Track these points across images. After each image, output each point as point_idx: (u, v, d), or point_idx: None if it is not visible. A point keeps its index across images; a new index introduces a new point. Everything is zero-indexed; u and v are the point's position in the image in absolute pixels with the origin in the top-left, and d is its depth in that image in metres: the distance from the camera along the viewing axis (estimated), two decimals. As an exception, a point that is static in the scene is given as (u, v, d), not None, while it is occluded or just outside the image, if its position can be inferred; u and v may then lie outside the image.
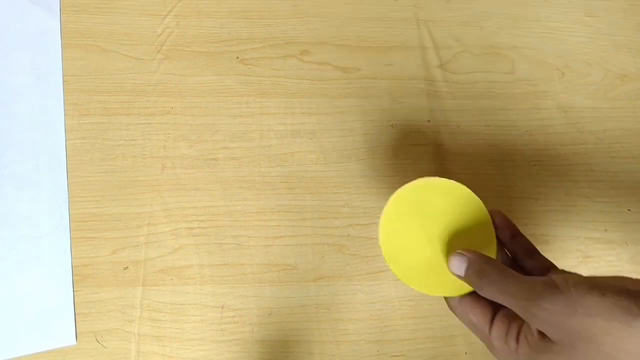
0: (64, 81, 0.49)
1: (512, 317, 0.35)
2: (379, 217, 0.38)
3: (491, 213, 0.39)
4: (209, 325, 0.45)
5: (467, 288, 0.37)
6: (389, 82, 0.52)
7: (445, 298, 0.38)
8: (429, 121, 0.52)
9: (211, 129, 0.50)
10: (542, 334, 0.33)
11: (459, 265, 0.37)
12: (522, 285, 0.34)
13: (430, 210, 0.38)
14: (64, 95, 0.49)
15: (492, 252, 0.38)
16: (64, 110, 0.49)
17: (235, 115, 0.50)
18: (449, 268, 0.38)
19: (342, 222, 0.48)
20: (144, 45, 0.51)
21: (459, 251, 0.37)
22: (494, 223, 0.39)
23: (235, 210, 0.48)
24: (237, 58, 0.52)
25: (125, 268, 0.46)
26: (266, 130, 0.50)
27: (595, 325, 0.31)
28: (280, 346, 0.46)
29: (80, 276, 0.45)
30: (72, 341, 0.44)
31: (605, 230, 0.50)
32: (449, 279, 0.37)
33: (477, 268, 0.36)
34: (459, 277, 0.37)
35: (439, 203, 0.38)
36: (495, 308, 0.36)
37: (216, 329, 0.45)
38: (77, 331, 0.44)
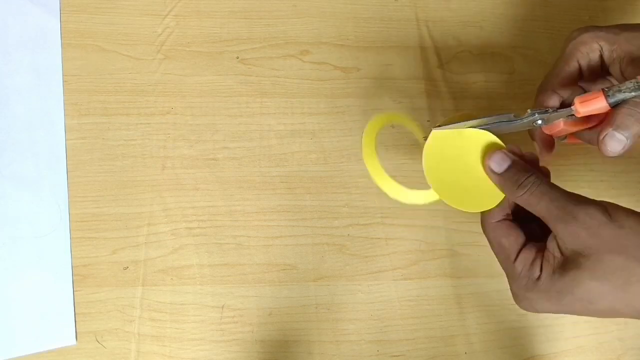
0: (64, 81, 0.49)
1: (539, 248, 0.36)
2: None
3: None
4: (209, 325, 0.45)
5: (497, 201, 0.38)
6: (389, 82, 0.52)
7: (482, 220, 0.39)
8: (428, 121, 0.52)
9: (211, 129, 0.50)
10: (563, 255, 0.34)
11: (500, 162, 0.37)
12: (567, 192, 0.35)
13: (467, 148, 0.39)
14: (64, 95, 0.49)
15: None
16: (64, 110, 0.49)
17: (235, 115, 0.50)
18: (485, 165, 0.38)
19: (342, 222, 0.48)
20: (144, 45, 0.51)
21: (503, 150, 0.38)
22: None
23: (235, 210, 0.48)
24: (237, 58, 0.52)
25: (125, 268, 0.46)
26: (266, 130, 0.50)
27: (626, 237, 0.33)
28: (280, 346, 0.46)
29: (80, 276, 0.45)
30: (72, 341, 0.44)
31: (605, 230, 0.50)
32: (483, 199, 0.38)
33: (521, 168, 0.37)
34: (495, 174, 0.37)
35: (474, 146, 0.39)
36: (525, 240, 0.37)
37: (216, 329, 0.45)
38: (77, 331, 0.44)
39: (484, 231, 0.39)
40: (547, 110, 0.40)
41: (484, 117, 0.40)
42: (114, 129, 0.49)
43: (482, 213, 0.39)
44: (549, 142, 0.43)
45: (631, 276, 0.33)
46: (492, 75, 0.53)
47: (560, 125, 0.40)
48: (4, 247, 0.45)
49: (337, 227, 0.48)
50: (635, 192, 0.52)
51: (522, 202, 0.36)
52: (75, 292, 0.45)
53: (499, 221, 0.38)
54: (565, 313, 0.35)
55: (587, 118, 0.39)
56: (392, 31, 0.54)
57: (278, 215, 0.48)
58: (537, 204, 0.35)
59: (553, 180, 0.50)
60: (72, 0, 0.51)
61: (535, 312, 0.36)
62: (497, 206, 0.38)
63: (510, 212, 0.39)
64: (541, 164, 0.40)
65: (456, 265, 0.48)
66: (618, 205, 0.35)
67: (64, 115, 0.49)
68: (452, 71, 0.53)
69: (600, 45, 0.41)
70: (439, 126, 0.40)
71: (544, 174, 0.39)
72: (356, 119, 0.51)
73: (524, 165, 0.37)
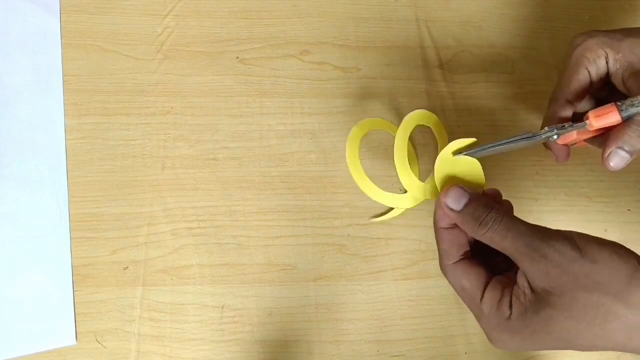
0: (64, 81, 0.49)
1: (505, 285, 0.34)
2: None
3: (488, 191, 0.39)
4: (209, 325, 0.46)
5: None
6: (389, 82, 0.52)
7: (440, 263, 0.37)
8: (429, 121, 0.52)
9: (211, 129, 0.50)
10: (535, 292, 0.32)
11: (458, 199, 0.36)
12: (532, 226, 0.33)
13: (460, 168, 0.40)
14: (64, 95, 0.49)
15: None
16: (64, 110, 0.49)
17: (235, 115, 0.50)
18: (442, 202, 0.37)
19: (342, 222, 0.48)
20: (144, 45, 0.51)
21: (459, 185, 0.36)
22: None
23: (235, 210, 0.48)
24: (237, 58, 0.52)
25: (125, 268, 0.46)
26: (266, 130, 0.50)
27: (598, 273, 0.31)
28: (280, 346, 0.46)
29: (80, 276, 0.45)
30: (72, 341, 0.44)
31: (605, 230, 0.50)
32: None
33: (481, 203, 0.35)
34: (452, 211, 0.36)
35: (464, 168, 0.40)
36: (488, 277, 0.35)
37: (216, 329, 0.45)
38: (77, 331, 0.44)
39: (443, 273, 0.37)
40: (563, 126, 0.40)
41: (505, 138, 0.40)
42: (114, 129, 0.49)
43: (440, 256, 0.38)
44: (565, 151, 0.44)
45: (608, 314, 0.31)
46: (492, 75, 0.53)
47: (573, 135, 0.41)
48: (4, 247, 0.45)
49: (337, 227, 0.48)
50: (635, 192, 0.52)
51: (485, 240, 0.35)
52: (75, 292, 0.45)
53: (456, 262, 0.36)
54: (541, 350, 0.34)
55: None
56: (392, 31, 0.54)
57: (278, 215, 0.48)
58: (501, 242, 0.33)
59: (554, 181, 0.51)
60: (72, 0, 0.51)
61: (511, 351, 0.35)
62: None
63: (468, 250, 0.37)
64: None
65: (456, 265, 0.48)
66: (588, 236, 0.33)
67: (64, 115, 0.49)
68: (452, 71, 0.53)
69: (605, 51, 0.41)
70: (460, 152, 0.40)
71: (506, 209, 0.37)
72: (356, 119, 0.51)
73: (483, 200, 0.36)
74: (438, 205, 0.38)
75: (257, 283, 0.47)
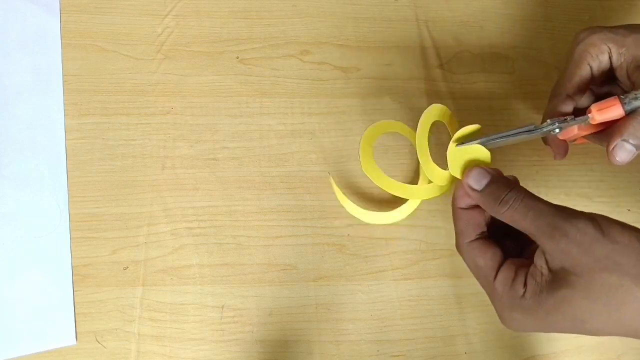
0: (64, 81, 0.49)
1: (519, 265, 0.35)
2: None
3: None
4: (209, 325, 0.46)
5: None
6: (389, 82, 0.52)
7: (456, 241, 0.38)
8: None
9: (211, 129, 0.50)
10: (552, 272, 0.32)
11: (479, 179, 0.36)
12: (553, 205, 0.33)
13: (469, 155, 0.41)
14: (64, 95, 0.49)
15: None
16: (64, 110, 0.49)
17: (235, 115, 0.50)
18: (464, 183, 0.37)
19: (342, 222, 0.48)
20: (144, 45, 0.51)
21: (480, 166, 0.37)
22: None
23: (235, 210, 0.48)
24: (237, 58, 0.52)
25: (125, 268, 0.46)
26: (266, 130, 0.50)
27: (620, 253, 0.31)
28: (280, 346, 0.46)
29: (80, 276, 0.45)
30: (72, 341, 0.44)
31: (605, 230, 0.50)
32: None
33: (501, 183, 0.35)
34: (475, 191, 0.36)
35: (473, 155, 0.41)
36: (503, 257, 0.36)
37: (216, 329, 0.45)
38: (77, 331, 0.44)
39: (459, 252, 0.37)
40: (565, 119, 0.40)
41: (508, 130, 0.40)
42: (114, 129, 0.49)
43: (456, 234, 0.38)
44: (564, 147, 0.44)
45: (626, 295, 0.31)
46: (492, 75, 0.53)
47: (574, 131, 0.41)
48: (4, 247, 0.45)
49: (337, 227, 0.48)
50: (635, 192, 0.52)
51: (505, 219, 0.35)
52: (75, 292, 0.45)
53: (472, 240, 0.37)
54: (553, 332, 0.34)
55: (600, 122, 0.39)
56: (392, 31, 0.54)
57: (278, 215, 0.48)
58: (522, 220, 0.34)
59: (554, 181, 0.51)
60: (72, 0, 0.51)
61: (523, 331, 0.35)
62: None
63: (485, 230, 0.37)
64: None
65: (456, 265, 0.48)
66: (610, 219, 0.33)
67: (64, 115, 0.49)
68: (452, 71, 0.53)
69: (609, 47, 0.41)
70: (462, 143, 0.41)
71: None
72: (356, 119, 0.51)
73: (504, 180, 0.36)
74: (458, 185, 0.38)
75: (257, 283, 0.47)
